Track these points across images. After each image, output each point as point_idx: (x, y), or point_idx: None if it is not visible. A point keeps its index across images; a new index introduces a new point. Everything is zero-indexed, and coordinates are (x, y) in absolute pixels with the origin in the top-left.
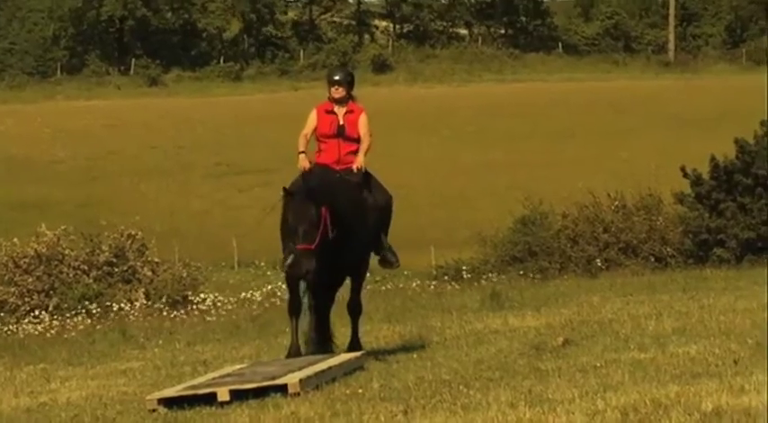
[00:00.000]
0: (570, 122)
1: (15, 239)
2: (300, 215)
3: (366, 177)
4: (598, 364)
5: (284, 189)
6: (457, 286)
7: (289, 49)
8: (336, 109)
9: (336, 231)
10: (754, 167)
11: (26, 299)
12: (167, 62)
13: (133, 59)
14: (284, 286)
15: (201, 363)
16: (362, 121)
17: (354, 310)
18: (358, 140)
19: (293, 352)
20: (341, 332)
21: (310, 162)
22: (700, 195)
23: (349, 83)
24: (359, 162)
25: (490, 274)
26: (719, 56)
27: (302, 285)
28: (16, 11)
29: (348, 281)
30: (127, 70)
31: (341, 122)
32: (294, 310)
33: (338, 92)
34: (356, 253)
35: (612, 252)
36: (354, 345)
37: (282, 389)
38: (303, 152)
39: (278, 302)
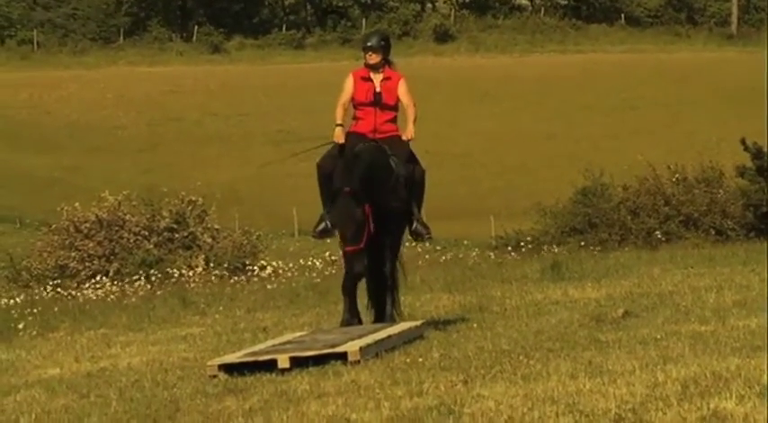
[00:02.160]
0: (632, 94)
1: (77, 204)
2: (346, 216)
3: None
4: (658, 336)
5: (318, 166)
6: (517, 256)
7: (351, 17)
8: (372, 76)
9: (375, 214)
10: None
11: (87, 264)
12: (229, 29)
13: (195, 26)
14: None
15: (262, 329)
16: (403, 88)
17: (387, 282)
18: (395, 108)
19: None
20: (403, 303)
21: (346, 134)
22: (761, 169)
23: (383, 48)
24: (410, 132)
25: (550, 245)
26: None
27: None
28: None
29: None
30: (189, 37)
31: (377, 90)
32: (348, 289)
33: (372, 58)
34: (391, 228)
35: (673, 225)
36: (382, 318)
37: (342, 357)
38: (341, 125)
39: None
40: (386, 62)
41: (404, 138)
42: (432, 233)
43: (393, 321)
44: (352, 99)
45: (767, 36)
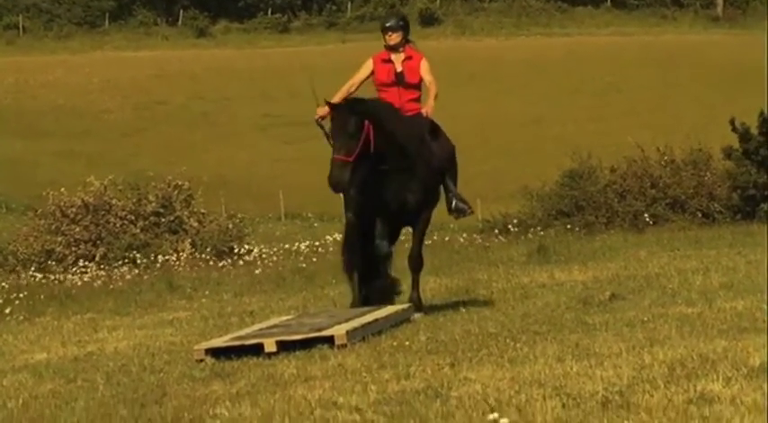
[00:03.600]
0: (618, 77)
1: (63, 189)
2: (340, 127)
3: (432, 125)
4: (645, 319)
5: (327, 102)
6: (503, 240)
7: (336, 1)
8: (393, 57)
9: (390, 160)
10: None
11: (73, 248)
12: (215, 13)
13: (181, 10)
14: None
15: (248, 313)
16: (425, 67)
17: (414, 263)
18: (418, 87)
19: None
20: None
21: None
22: (747, 151)
23: (402, 28)
24: (429, 107)
25: (537, 228)
26: None
27: (378, 227)
28: None
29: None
30: (174, 21)
31: (399, 69)
32: (351, 265)
33: (392, 38)
34: (415, 193)
35: (660, 207)
36: (414, 301)
37: (329, 340)
38: (331, 103)
39: (324, 253)
40: (406, 42)
41: (423, 111)
42: (473, 209)
43: (418, 304)
44: (374, 81)
45: None
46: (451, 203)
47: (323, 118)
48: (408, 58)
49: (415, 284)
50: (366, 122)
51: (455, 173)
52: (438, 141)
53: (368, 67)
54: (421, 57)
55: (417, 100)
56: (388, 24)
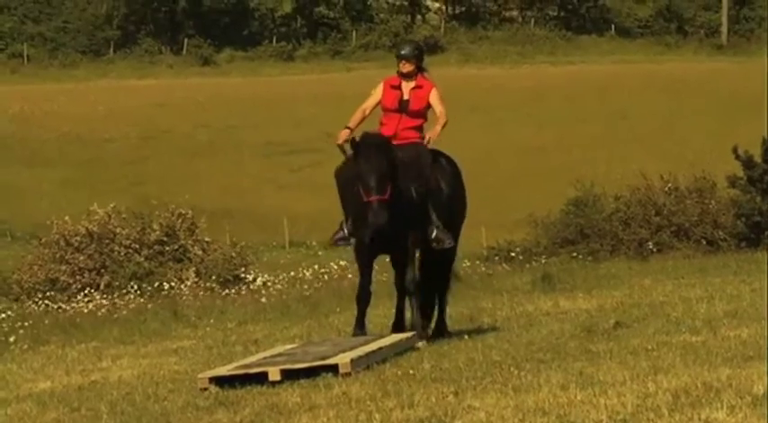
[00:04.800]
0: (622, 105)
1: (67, 218)
2: (372, 167)
3: (429, 154)
4: (649, 347)
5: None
6: (508, 268)
7: (341, 29)
8: (403, 84)
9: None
10: None
11: (77, 277)
12: (219, 42)
13: (185, 39)
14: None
15: (253, 342)
16: (435, 97)
17: (410, 287)
18: (421, 115)
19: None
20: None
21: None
22: (752, 179)
23: (417, 57)
24: (434, 133)
25: (542, 256)
26: None
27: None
28: None
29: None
30: (179, 50)
31: (405, 97)
32: (363, 296)
33: (406, 66)
34: (405, 221)
35: (664, 235)
36: (416, 325)
37: (333, 369)
38: (350, 127)
39: (328, 281)
40: (419, 70)
41: (426, 137)
42: (452, 240)
43: (423, 330)
44: (381, 104)
45: None
46: (432, 233)
47: (345, 142)
48: (418, 86)
49: (415, 308)
50: (393, 159)
51: (440, 204)
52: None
53: (378, 92)
54: (431, 86)
55: (418, 128)
56: (402, 53)
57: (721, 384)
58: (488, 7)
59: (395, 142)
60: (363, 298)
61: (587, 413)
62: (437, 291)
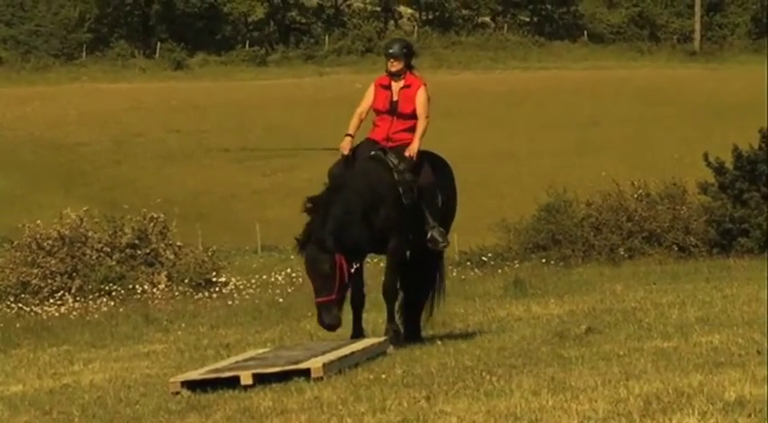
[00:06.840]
0: (595, 111)
1: (39, 221)
2: (312, 269)
3: (417, 161)
4: (621, 353)
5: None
6: (480, 273)
7: (313, 34)
8: (393, 83)
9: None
10: None
11: (49, 280)
12: (192, 46)
13: (158, 43)
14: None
15: (224, 346)
16: (420, 98)
17: (385, 293)
18: (412, 117)
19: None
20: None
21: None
22: (723, 185)
23: (405, 55)
24: (412, 149)
25: (514, 262)
26: (745, 46)
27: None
28: None
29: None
30: (152, 53)
31: (394, 98)
32: (355, 299)
33: (394, 65)
34: (388, 232)
35: (636, 241)
36: (390, 333)
37: (305, 373)
38: (350, 135)
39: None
40: (407, 68)
41: (406, 153)
42: (448, 241)
43: (393, 333)
44: (372, 107)
45: None
46: (427, 234)
47: (350, 151)
48: (407, 85)
49: (388, 315)
50: (337, 257)
51: (433, 204)
52: (416, 174)
53: (370, 93)
54: (420, 84)
55: (410, 129)
56: (390, 51)
57: (693, 390)
58: (461, 13)
59: (388, 145)
60: (356, 300)
61: (559, 418)
62: (428, 287)
